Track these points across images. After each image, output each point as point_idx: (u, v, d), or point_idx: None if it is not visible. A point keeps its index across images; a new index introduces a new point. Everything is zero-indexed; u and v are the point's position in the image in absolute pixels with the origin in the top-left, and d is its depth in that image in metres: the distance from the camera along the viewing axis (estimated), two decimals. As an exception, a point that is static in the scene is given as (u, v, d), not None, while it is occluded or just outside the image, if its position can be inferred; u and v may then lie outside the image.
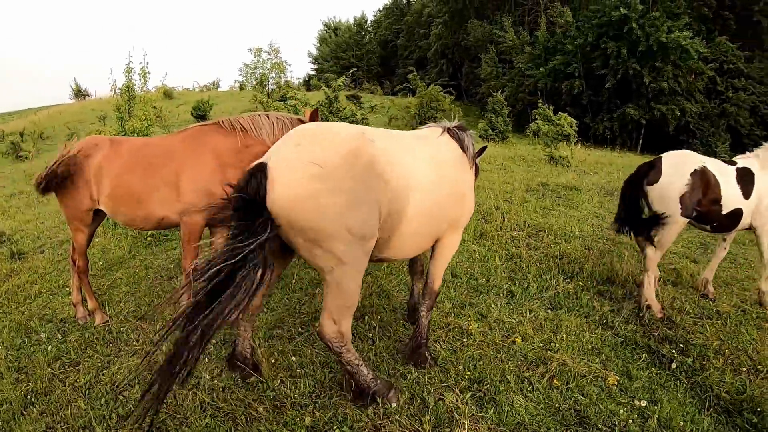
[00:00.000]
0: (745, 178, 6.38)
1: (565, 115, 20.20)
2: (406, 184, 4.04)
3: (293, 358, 4.78)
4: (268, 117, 5.44)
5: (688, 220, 6.24)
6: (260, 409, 4.07)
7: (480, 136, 27.32)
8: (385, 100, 39.97)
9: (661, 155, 6.50)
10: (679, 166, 6.19)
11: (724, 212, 6.27)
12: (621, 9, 37.02)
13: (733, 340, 5.78)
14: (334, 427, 3.87)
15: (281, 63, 34.78)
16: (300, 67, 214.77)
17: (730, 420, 4.46)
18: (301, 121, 5.43)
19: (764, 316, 6.52)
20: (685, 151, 6.51)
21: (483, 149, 5.75)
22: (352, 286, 3.80)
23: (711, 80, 39.03)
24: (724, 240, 7.14)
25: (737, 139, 36.92)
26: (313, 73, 79.57)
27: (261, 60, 34.79)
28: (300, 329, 5.44)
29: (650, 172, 6.31)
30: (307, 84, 67.76)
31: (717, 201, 6.20)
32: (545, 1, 50.14)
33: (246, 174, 3.61)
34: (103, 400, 4.28)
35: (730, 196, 6.25)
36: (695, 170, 6.11)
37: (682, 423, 4.26)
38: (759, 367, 5.25)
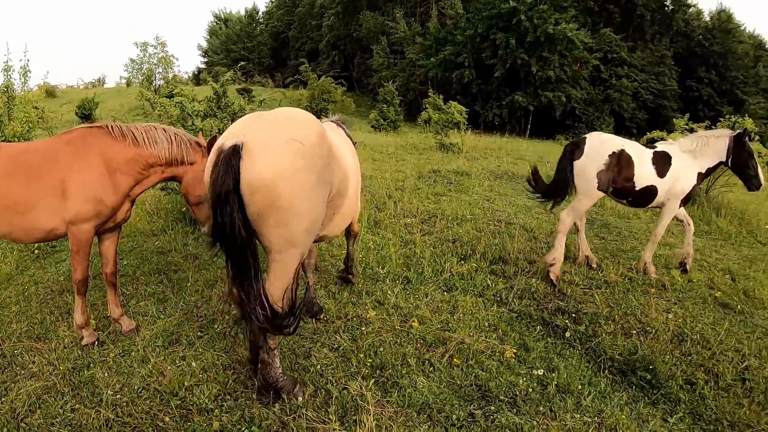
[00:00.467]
0: (662, 161, 7.11)
1: (455, 103, 20.70)
2: (346, 165, 4.34)
3: (194, 364, 4.65)
4: (165, 131, 5.15)
5: (603, 194, 7.03)
6: (167, 419, 3.94)
7: (372, 126, 27.56)
8: (276, 92, 39.60)
9: (586, 136, 7.24)
10: (599, 148, 6.92)
11: (637, 188, 6.99)
12: (510, 1, 38.62)
13: (621, 307, 6.23)
14: (243, 429, 3.82)
15: (168, 57, 33.85)
16: (190, 60, 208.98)
17: (625, 379, 4.81)
18: (199, 144, 5.25)
19: (650, 282, 7.08)
20: (603, 135, 7.24)
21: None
22: (296, 268, 3.84)
23: (596, 69, 41.50)
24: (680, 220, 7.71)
25: (620, 122, 39.49)
26: (203, 66, 77.52)
27: (147, 55, 33.66)
28: (199, 333, 5.29)
29: (575, 150, 7.06)
30: (197, 78, 66.04)
31: (630, 179, 6.92)
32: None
33: (221, 157, 3.48)
34: (5, 430, 3.97)
35: (644, 175, 6.97)
36: (613, 152, 6.86)
37: (579, 386, 4.53)
38: (648, 329, 5.68)
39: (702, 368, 5.03)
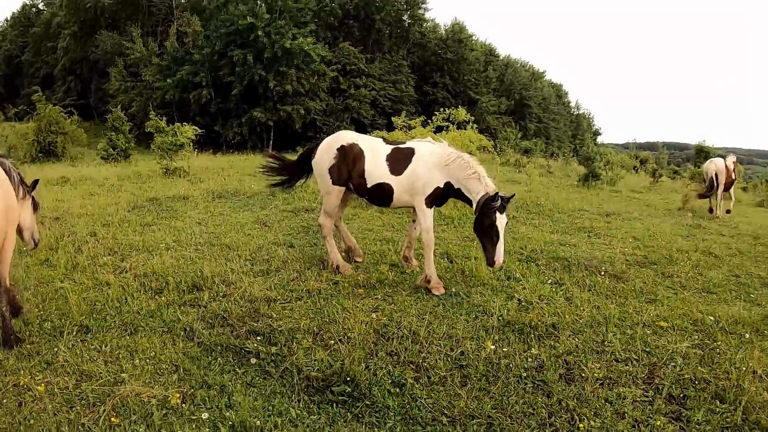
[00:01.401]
0: (401, 157, 6.81)
1: (179, 124, 19.43)
2: None
3: None
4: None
5: (342, 187, 7.07)
6: None
7: (102, 158, 25.30)
8: (6, 127, 35.07)
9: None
10: (331, 143, 7.09)
11: (368, 185, 6.89)
12: (248, 18, 38.12)
13: (323, 315, 5.76)
14: None
15: None
16: None
17: (324, 398, 4.35)
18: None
19: (357, 283, 6.73)
20: (343, 132, 7.46)
21: (35, 183, 6.06)
22: None
23: (335, 80, 42.28)
24: (413, 221, 7.32)
25: (361, 129, 40.77)
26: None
27: None
28: None
29: (313, 151, 7.34)
30: None
31: (362, 175, 6.90)
32: (178, 11, 48.95)
33: None
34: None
35: (375, 171, 6.84)
36: (342, 146, 6.96)
37: (260, 421, 3.98)
38: (348, 334, 5.28)
39: (411, 365, 4.77)
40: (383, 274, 6.98)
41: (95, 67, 53.25)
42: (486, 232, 6.06)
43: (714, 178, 14.28)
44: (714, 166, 14.59)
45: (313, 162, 7.18)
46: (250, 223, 10.01)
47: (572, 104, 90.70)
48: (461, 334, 5.25)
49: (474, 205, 6.30)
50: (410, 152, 6.81)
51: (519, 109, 65.98)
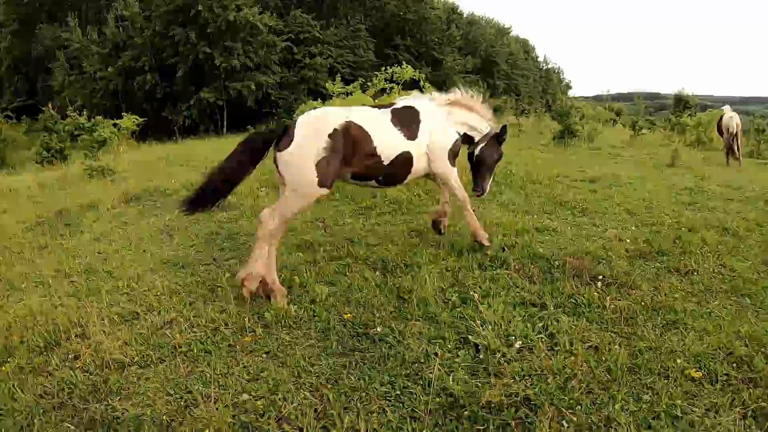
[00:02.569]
0: (406, 120, 5.92)
1: (101, 117, 17.41)
2: None
3: None
4: None
5: (328, 190, 5.63)
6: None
7: (37, 163, 23.11)
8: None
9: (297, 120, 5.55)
10: (317, 127, 5.33)
11: (385, 162, 5.73)
12: (189, -8, 35.34)
13: (182, 390, 3.87)
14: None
15: None
16: None
17: None
18: None
19: (243, 327, 4.68)
20: (321, 110, 5.93)
21: None
22: None
23: (288, 51, 39.89)
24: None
25: (322, 99, 38.64)
26: None
27: None
28: None
29: (279, 139, 5.31)
30: None
31: (372, 153, 5.64)
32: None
33: None
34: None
35: (388, 143, 5.73)
36: (335, 129, 5.31)
37: None
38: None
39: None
40: (283, 310, 4.97)
41: (39, 64, 50.29)
42: (491, 165, 6.48)
43: (736, 130, 15.64)
44: (736, 118, 16.07)
45: (286, 153, 5.19)
46: (151, 234, 8.02)
47: (540, 59, 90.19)
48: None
49: (476, 140, 6.42)
50: (413, 111, 5.99)
51: (486, 67, 63.89)
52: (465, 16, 68.17)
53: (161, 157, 17.89)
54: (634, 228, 7.26)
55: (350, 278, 5.65)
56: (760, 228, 7.30)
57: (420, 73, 13.47)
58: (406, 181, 6.20)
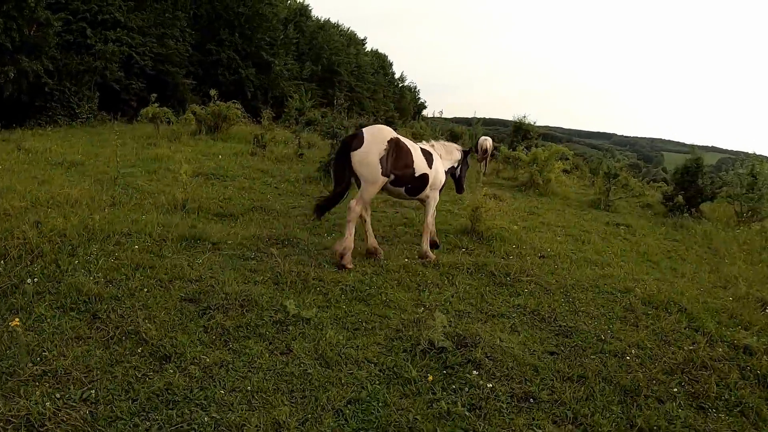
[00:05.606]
0: (426, 155, 8.29)
1: None
2: None
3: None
4: None
5: (387, 178, 7.54)
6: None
7: None
8: None
9: (362, 129, 7.74)
10: (379, 135, 7.54)
11: (416, 174, 7.92)
12: None
13: None
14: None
15: None
16: None
17: None
18: None
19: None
20: (381, 126, 8.05)
21: None
22: None
23: (82, 33, 30.83)
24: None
25: (114, 96, 30.39)
26: None
27: None
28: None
29: (350, 143, 7.49)
30: None
31: (410, 165, 7.83)
32: None
33: None
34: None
35: (420, 163, 7.97)
36: (391, 139, 7.56)
37: None
38: None
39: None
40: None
41: None
42: (465, 176, 9.69)
43: (489, 150, 22.68)
44: (489, 141, 22.91)
45: (359, 152, 7.34)
46: None
47: (397, 76, 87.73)
48: None
49: (456, 166, 9.26)
50: (428, 152, 8.38)
51: (329, 76, 58.44)
52: (314, 19, 62.01)
53: None
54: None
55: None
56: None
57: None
58: (419, 196, 8.27)
